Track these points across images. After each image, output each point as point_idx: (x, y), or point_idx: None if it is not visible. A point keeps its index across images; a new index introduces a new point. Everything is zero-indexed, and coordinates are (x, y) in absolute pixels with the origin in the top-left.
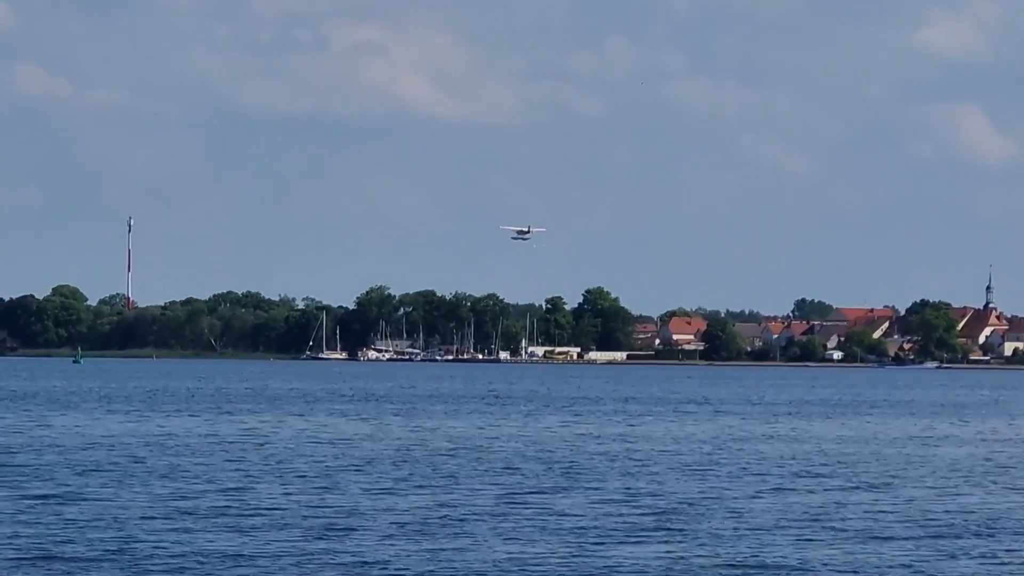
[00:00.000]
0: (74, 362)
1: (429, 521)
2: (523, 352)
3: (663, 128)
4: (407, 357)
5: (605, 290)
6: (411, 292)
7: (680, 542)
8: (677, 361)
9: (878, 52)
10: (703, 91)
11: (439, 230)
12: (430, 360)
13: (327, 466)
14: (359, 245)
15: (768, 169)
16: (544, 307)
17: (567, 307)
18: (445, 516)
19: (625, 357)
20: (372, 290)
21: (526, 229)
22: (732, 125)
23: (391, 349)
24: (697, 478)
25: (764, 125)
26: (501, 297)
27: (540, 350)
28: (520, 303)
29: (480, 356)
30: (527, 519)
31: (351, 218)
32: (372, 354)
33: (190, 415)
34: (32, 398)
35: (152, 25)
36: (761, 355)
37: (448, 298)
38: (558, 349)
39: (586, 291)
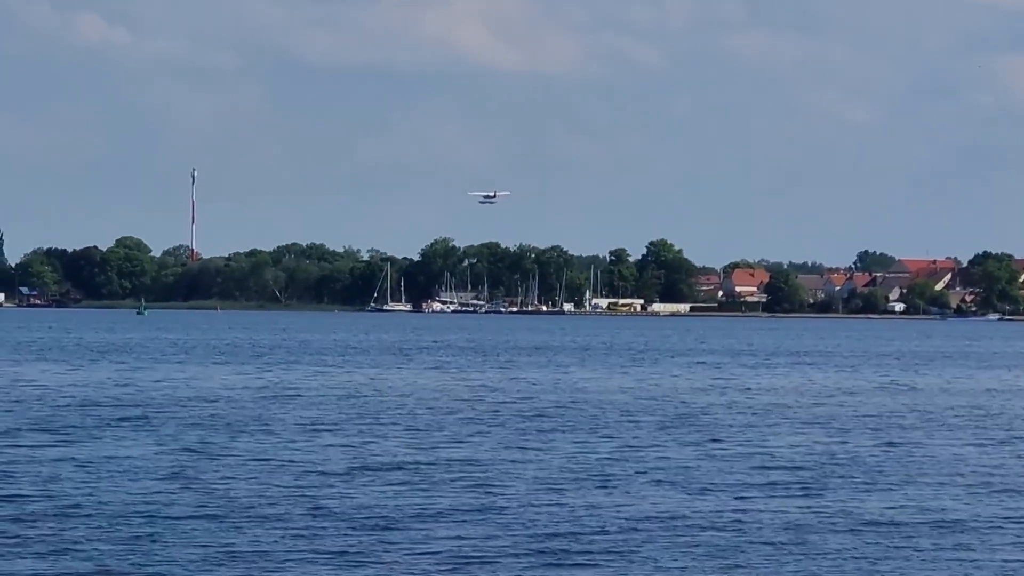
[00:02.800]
0: (138, 314)
1: (593, 473)
2: (587, 304)
3: (723, 78)
4: (471, 309)
5: (668, 242)
6: (475, 244)
7: (818, 496)
8: (740, 313)
9: (937, 1)
10: (762, 41)
11: (502, 181)
12: (494, 312)
13: (480, 418)
14: (423, 196)
15: (828, 120)
16: (608, 259)
17: (631, 259)
18: (602, 467)
19: (688, 309)
20: (437, 242)
21: (492, 193)
22: (791, 75)
23: (455, 301)
24: (830, 430)
25: (823, 75)
26: (565, 249)
27: (604, 302)
28: (584, 255)
29: (544, 308)
30: (676, 471)
31: (414, 169)
32: (436, 306)
33: (315, 367)
34: (128, 351)
35: None
36: (823, 307)
37: (512, 250)
38: (621, 301)
39: (650, 243)
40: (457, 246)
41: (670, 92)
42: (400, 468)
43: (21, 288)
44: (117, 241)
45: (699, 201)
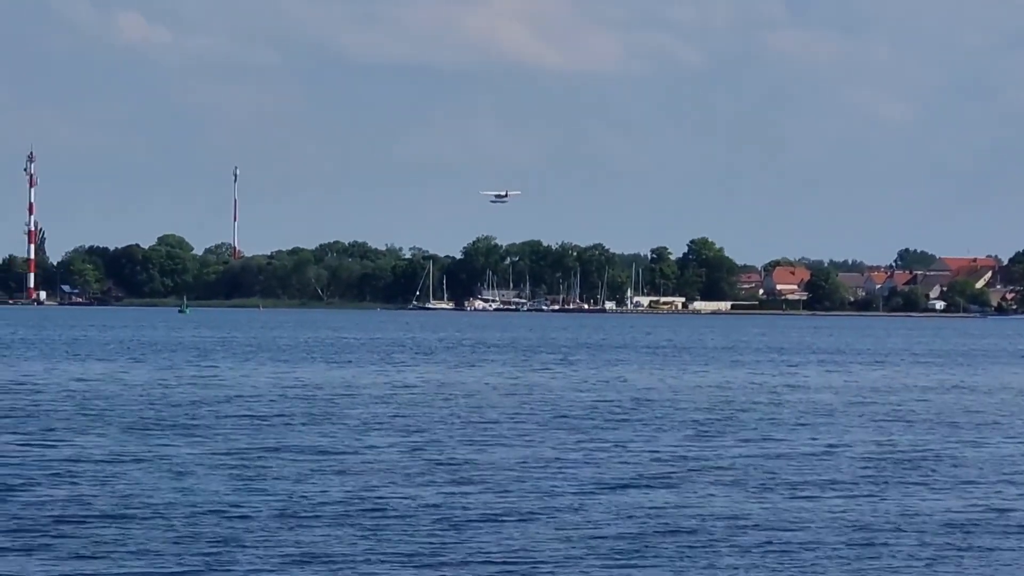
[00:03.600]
0: (180, 312)
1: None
2: (628, 302)
3: (763, 76)
4: (513, 307)
5: (710, 240)
6: (517, 242)
7: (878, 494)
8: (780, 311)
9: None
10: (802, 40)
11: (544, 179)
12: (536, 310)
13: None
14: (465, 194)
15: (869, 118)
16: (649, 257)
17: (672, 257)
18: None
19: (729, 307)
20: (479, 240)
21: (503, 193)
22: (831, 74)
23: (497, 299)
24: (885, 428)
25: (864, 73)
26: (607, 247)
27: (645, 300)
28: (625, 253)
29: (586, 306)
30: (735, 470)
31: (456, 166)
32: (479, 304)
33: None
34: (180, 349)
35: None
36: (864, 305)
37: (554, 248)
38: (663, 299)
39: (691, 241)
40: (499, 244)
41: (711, 90)
42: (461, 467)
43: (63, 286)
44: (159, 239)
45: (740, 199)
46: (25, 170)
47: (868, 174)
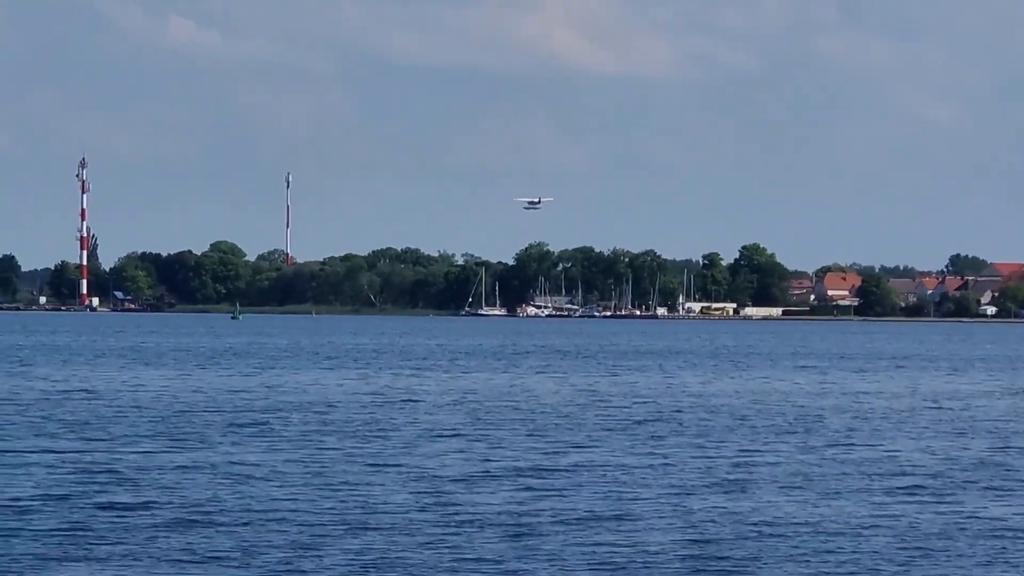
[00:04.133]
0: (232, 318)
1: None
2: (680, 308)
3: (815, 81)
4: (565, 313)
5: (761, 246)
6: (569, 248)
7: (942, 501)
8: (832, 317)
9: None
10: (853, 43)
11: (596, 185)
12: (588, 316)
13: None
14: (515, 199)
15: (921, 122)
16: (701, 263)
17: (723, 263)
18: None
19: (780, 313)
20: (531, 246)
21: (536, 200)
22: (883, 77)
23: (550, 305)
24: (947, 434)
25: (916, 77)
26: (658, 253)
27: (696, 306)
28: (677, 259)
29: (637, 312)
30: (800, 476)
31: (508, 172)
32: (531, 310)
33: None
34: (240, 356)
35: None
36: (915, 311)
37: (606, 254)
38: (714, 305)
39: (742, 247)
40: (551, 250)
41: (762, 94)
42: (529, 474)
43: (116, 292)
44: (212, 245)
45: (791, 205)
46: (77, 176)
47: (919, 178)
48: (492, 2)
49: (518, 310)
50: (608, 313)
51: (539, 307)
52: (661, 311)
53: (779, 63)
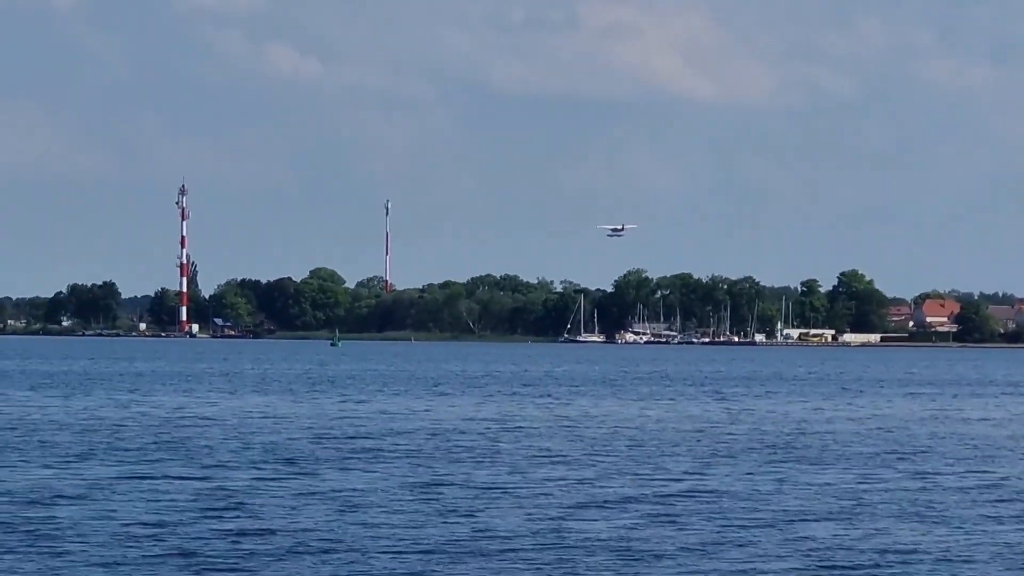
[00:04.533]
0: (332, 345)
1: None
2: (778, 334)
3: (915, 106)
4: (664, 340)
5: (859, 272)
6: (668, 275)
7: None
8: (931, 343)
9: None
10: (954, 69)
11: (695, 211)
12: (687, 343)
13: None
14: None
15: (1019, 147)
16: (799, 290)
17: (822, 290)
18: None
19: (879, 339)
20: (630, 273)
21: (620, 227)
22: (983, 103)
23: (648, 332)
24: None
25: (1016, 102)
26: (757, 279)
27: (795, 332)
28: (775, 286)
29: (736, 339)
30: (913, 503)
31: (607, 198)
32: (629, 337)
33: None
34: (344, 383)
35: (403, 4)
36: (1014, 337)
37: (705, 281)
38: (812, 331)
39: (841, 273)
40: (650, 277)
41: (862, 120)
42: (639, 500)
43: (215, 319)
44: (311, 272)
45: (890, 231)
46: (177, 203)
47: (1018, 204)
48: (592, 29)
49: (616, 337)
50: (706, 340)
51: (637, 334)
52: (759, 338)
53: (879, 88)
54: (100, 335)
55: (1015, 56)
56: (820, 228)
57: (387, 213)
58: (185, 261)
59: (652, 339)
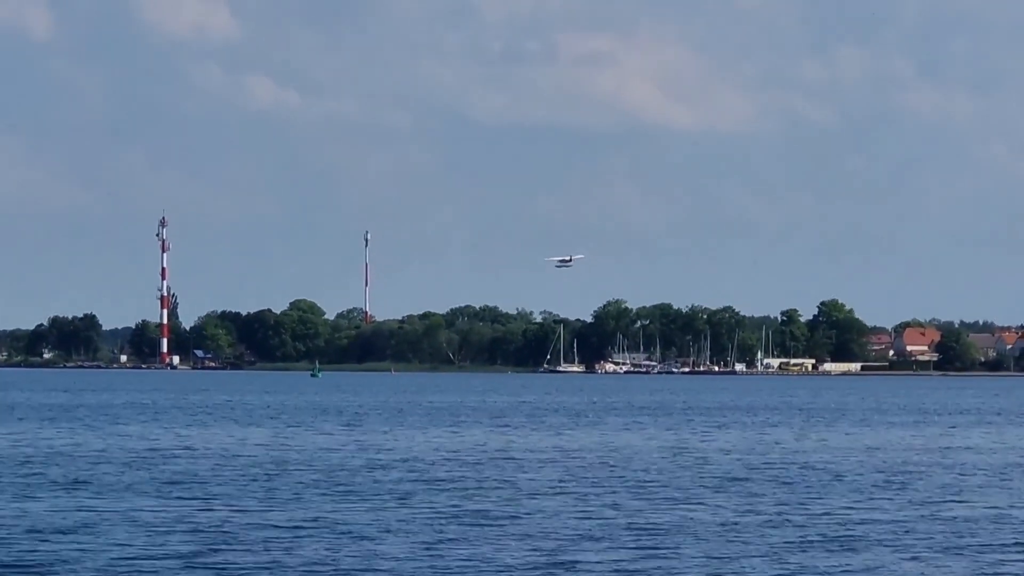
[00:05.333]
0: (312, 376)
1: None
2: (758, 364)
3: (895, 135)
4: (644, 370)
5: (840, 302)
6: (647, 305)
7: None
8: (911, 372)
9: None
10: (933, 98)
11: (674, 240)
12: (667, 372)
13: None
14: (595, 257)
15: (1001, 176)
16: (779, 319)
17: (802, 319)
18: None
19: (859, 368)
20: (609, 303)
21: (568, 258)
22: (963, 132)
23: (628, 362)
24: None
25: (995, 132)
26: (737, 309)
27: (775, 362)
28: (755, 315)
29: (716, 368)
30: (911, 533)
31: (587, 229)
32: (609, 367)
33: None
34: (338, 413)
35: (381, 36)
36: (995, 366)
37: (684, 311)
38: (793, 361)
39: (821, 303)
40: (629, 307)
41: (842, 149)
42: (633, 531)
43: (196, 351)
44: (291, 304)
45: (871, 259)
46: (157, 235)
47: (998, 233)
48: (569, 59)
49: (596, 367)
50: (686, 369)
51: (617, 364)
52: (739, 367)
53: (859, 118)
54: (81, 367)
55: (996, 86)
56: (800, 257)
57: (366, 244)
58: (166, 293)
59: (632, 369)
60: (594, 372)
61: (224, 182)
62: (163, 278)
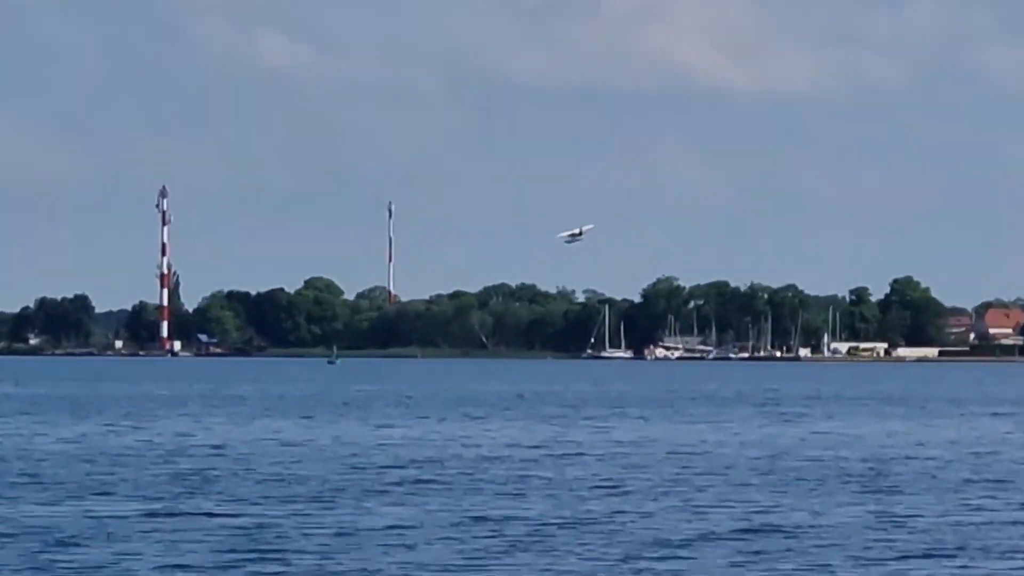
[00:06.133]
0: (329, 363)
1: None
2: (825, 348)
3: (970, 96)
4: (698, 356)
5: (914, 279)
6: (702, 283)
7: None
8: (994, 357)
9: None
10: (1014, 55)
11: (730, 212)
12: (723, 358)
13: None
14: (643, 230)
15: None
16: (848, 298)
17: (873, 298)
18: None
19: (937, 353)
20: (659, 281)
21: (578, 231)
22: None
23: (680, 347)
24: None
25: None
26: (801, 288)
27: (843, 346)
28: (821, 295)
29: (778, 354)
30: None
31: (633, 200)
32: (659, 352)
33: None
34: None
35: None
36: None
37: (743, 289)
38: (863, 345)
39: (894, 280)
40: (682, 285)
41: (914, 112)
42: (730, 537)
43: (200, 335)
44: (306, 282)
45: (948, 233)
46: (157, 207)
47: None
48: (615, 13)
49: (645, 352)
50: (745, 355)
51: (668, 348)
52: (804, 352)
53: (932, 77)
54: (71, 354)
55: None
56: (869, 230)
57: (390, 216)
58: (166, 271)
59: (685, 355)
60: (643, 358)
61: (230, 148)
62: (163, 254)
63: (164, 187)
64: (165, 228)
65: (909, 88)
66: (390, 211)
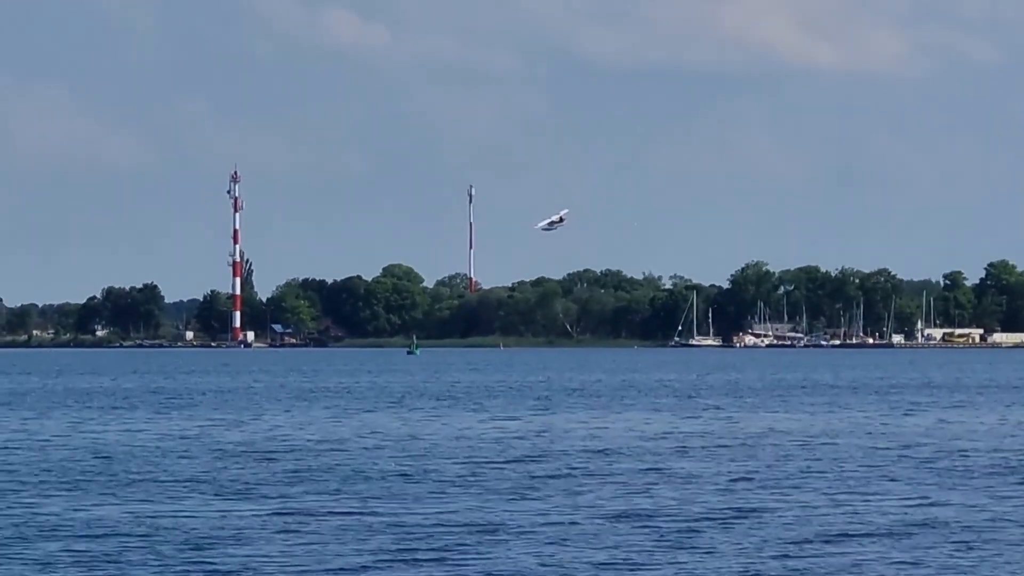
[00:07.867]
0: (408, 353)
1: None
2: (918, 335)
3: None
4: (788, 343)
5: (1010, 263)
6: (792, 268)
7: None
8: None
9: None
10: None
11: (819, 194)
12: (814, 345)
13: None
14: (731, 214)
15: None
16: (942, 283)
17: (967, 283)
18: None
19: None
20: (748, 266)
21: (557, 218)
22: None
23: (770, 333)
24: None
25: None
26: (893, 273)
27: (937, 332)
28: (915, 279)
29: (870, 340)
30: None
31: (718, 183)
32: (749, 339)
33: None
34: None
35: None
36: None
37: (834, 274)
38: (958, 331)
39: (989, 264)
40: (772, 271)
41: (1007, 90)
42: (882, 532)
43: (274, 325)
44: (384, 270)
45: None
46: (229, 192)
47: None
48: None
49: (735, 339)
50: (836, 342)
51: (758, 336)
52: (897, 339)
53: None
54: (140, 346)
55: None
56: (964, 212)
57: (470, 201)
58: (238, 259)
59: (775, 342)
60: (732, 345)
61: (303, 132)
62: (235, 242)
63: (235, 172)
64: (237, 215)
65: (1002, 65)
66: (470, 195)
